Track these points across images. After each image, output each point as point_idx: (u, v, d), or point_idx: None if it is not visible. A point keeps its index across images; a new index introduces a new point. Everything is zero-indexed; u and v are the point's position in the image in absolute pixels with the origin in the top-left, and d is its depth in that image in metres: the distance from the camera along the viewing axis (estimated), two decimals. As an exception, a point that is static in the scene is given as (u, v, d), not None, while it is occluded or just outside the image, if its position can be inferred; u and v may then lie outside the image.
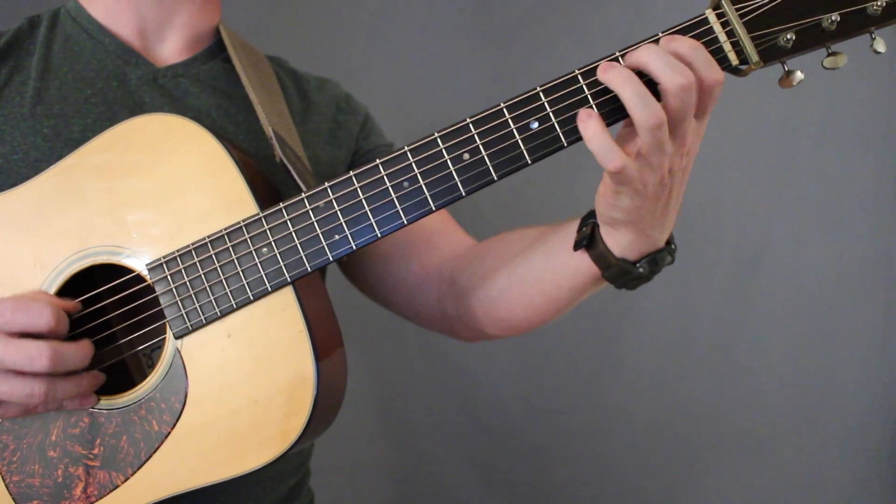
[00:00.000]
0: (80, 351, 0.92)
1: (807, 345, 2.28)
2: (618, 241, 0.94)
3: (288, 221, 0.94)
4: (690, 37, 0.86)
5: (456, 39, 2.20)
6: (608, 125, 0.86)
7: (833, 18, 0.84)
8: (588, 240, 0.96)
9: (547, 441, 2.28)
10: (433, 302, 1.24)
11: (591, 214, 0.97)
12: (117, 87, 1.12)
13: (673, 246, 0.97)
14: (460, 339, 1.28)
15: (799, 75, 0.87)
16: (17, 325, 0.89)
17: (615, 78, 0.84)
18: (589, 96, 0.87)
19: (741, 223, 2.29)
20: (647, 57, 0.84)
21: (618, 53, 0.87)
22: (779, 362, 2.28)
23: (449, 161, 0.90)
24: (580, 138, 0.87)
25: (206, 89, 1.17)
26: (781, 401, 2.29)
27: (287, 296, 0.94)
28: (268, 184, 1.02)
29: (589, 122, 0.85)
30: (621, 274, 0.96)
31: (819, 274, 2.28)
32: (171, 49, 1.18)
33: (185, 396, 0.95)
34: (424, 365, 2.20)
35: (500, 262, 1.12)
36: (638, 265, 0.95)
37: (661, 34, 0.87)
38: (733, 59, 0.86)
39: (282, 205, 0.94)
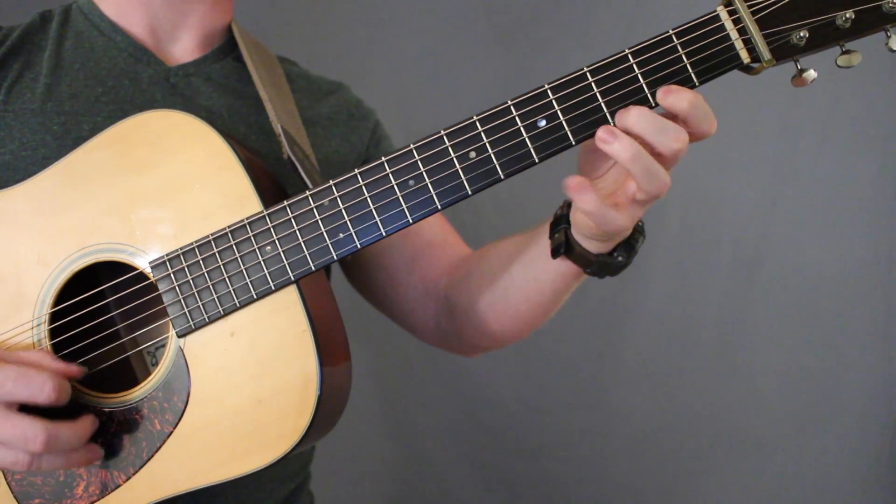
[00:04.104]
0: (77, 432, 0.90)
1: (807, 345, 2.27)
2: (592, 244, 0.96)
3: (292, 219, 0.92)
4: (702, 33, 0.85)
5: (460, 38, 2.19)
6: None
7: (847, 16, 0.82)
8: (565, 246, 0.98)
9: (547, 441, 2.27)
10: (431, 317, 1.26)
11: (559, 220, 0.99)
12: (129, 85, 1.12)
13: (640, 223, 0.99)
14: (458, 354, 1.31)
15: (812, 74, 0.86)
16: (17, 396, 0.87)
17: (621, 153, 0.84)
18: (598, 94, 0.86)
19: (741, 223, 2.28)
20: (638, 126, 0.84)
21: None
22: (779, 362, 2.28)
23: (455, 159, 0.89)
24: (588, 136, 0.86)
25: (218, 89, 1.16)
26: (781, 401, 2.28)
27: (291, 295, 0.93)
28: (274, 183, 1.02)
29: (585, 196, 0.86)
30: (603, 267, 0.98)
31: (819, 274, 2.28)
32: (183, 48, 1.18)
33: (188, 396, 0.94)
34: (424, 365, 2.19)
35: (483, 279, 1.15)
36: (616, 254, 0.97)
37: (671, 31, 0.86)
38: (745, 57, 0.85)
39: (286, 203, 0.93)
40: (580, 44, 2.16)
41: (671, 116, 0.85)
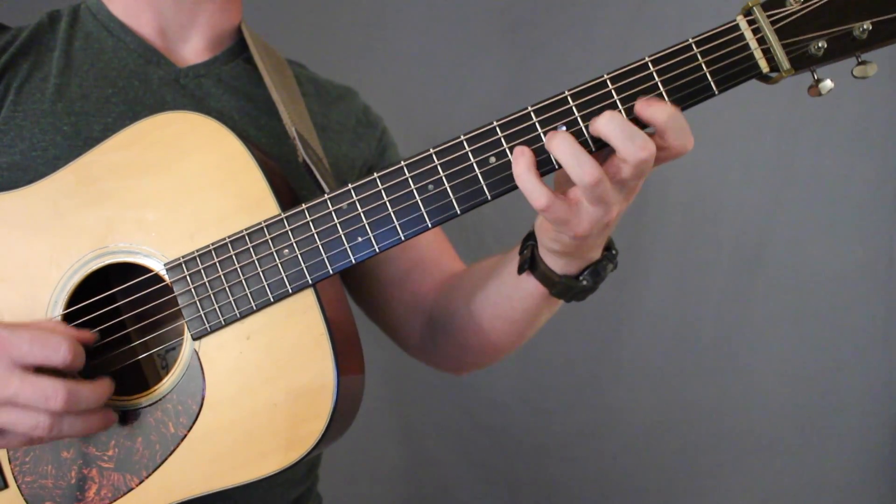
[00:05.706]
0: (96, 391, 0.89)
1: (807, 345, 2.28)
2: (556, 262, 0.96)
3: (310, 223, 0.92)
4: (721, 42, 0.85)
5: (462, 38, 2.19)
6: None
7: (865, 27, 0.83)
8: (529, 262, 0.99)
9: (547, 441, 2.28)
10: (417, 332, 1.27)
11: (530, 237, 1.00)
12: (139, 86, 1.11)
13: (613, 251, 0.99)
14: (443, 370, 1.31)
15: (828, 84, 0.86)
16: (33, 358, 0.86)
17: (548, 140, 0.86)
18: (618, 101, 0.86)
19: (741, 223, 2.29)
20: (606, 129, 0.84)
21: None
22: (779, 362, 2.28)
23: (475, 164, 0.89)
24: (608, 144, 0.86)
25: (228, 91, 1.16)
26: (781, 401, 2.29)
27: (308, 298, 0.93)
28: (289, 187, 1.01)
29: (519, 160, 0.86)
30: (567, 290, 0.98)
31: (819, 274, 2.28)
32: (192, 49, 1.17)
33: (202, 399, 0.94)
34: (425, 365, 2.19)
35: (462, 295, 1.16)
36: (581, 278, 0.97)
37: (690, 40, 0.86)
38: (764, 66, 0.86)
39: (304, 206, 0.92)
40: (598, 46, 2.16)
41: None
